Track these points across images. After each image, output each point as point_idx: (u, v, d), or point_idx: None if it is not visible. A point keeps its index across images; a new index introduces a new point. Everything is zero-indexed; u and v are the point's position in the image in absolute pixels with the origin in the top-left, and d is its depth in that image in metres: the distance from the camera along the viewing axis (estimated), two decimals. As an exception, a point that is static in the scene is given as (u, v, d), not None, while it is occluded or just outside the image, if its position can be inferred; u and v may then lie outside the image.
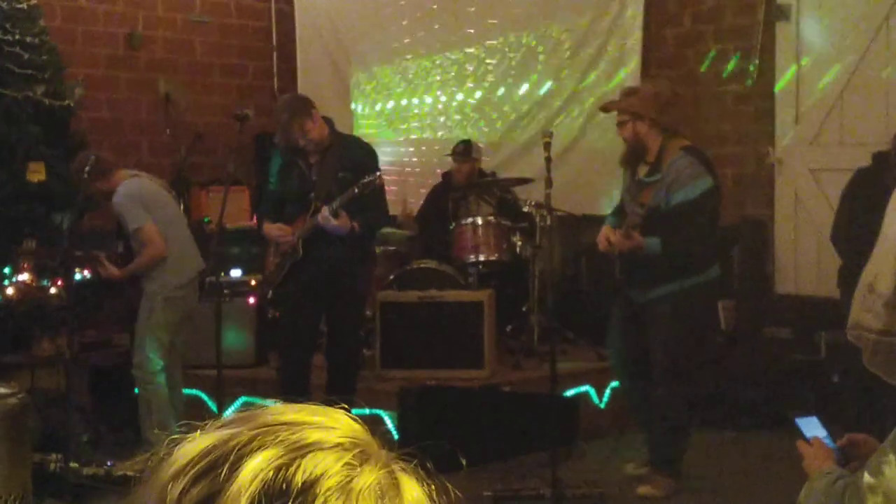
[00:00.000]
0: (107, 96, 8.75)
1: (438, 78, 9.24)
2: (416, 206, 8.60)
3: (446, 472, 1.00)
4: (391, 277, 7.22)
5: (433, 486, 0.93)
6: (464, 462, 1.44)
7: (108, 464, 5.91)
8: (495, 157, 8.73)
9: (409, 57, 9.32)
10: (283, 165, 6.14)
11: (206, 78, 9.35)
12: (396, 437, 6.23)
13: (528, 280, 7.47)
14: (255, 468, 0.85)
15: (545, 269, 7.23)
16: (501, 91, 8.92)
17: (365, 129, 9.33)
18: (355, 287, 6.18)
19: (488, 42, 8.94)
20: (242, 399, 6.57)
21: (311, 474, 0.85)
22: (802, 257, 7.81)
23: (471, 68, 9.06)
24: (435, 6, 9.21)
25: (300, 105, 6.03)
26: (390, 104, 9.52)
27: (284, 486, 0.84)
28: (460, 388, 6.54)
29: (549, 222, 6.58)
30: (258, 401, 5.96)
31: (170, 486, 0.86)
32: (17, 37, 7.05)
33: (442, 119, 9.29)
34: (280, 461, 0.85)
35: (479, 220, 7.28)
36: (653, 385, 5.74)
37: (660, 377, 5.68)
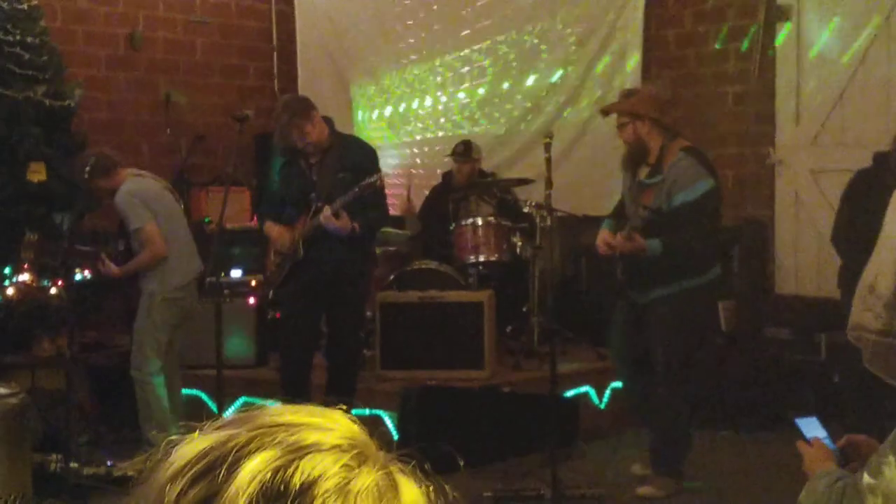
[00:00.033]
0: (107, 97, 8.75)
1: (439, 79, 9.24)
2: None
3: (445, 472, 1.00)
4: (391, 278, 7.22)
5: (431, 487, 0.93)
6: (461, 463, 1.43)
7: (109, 464, 5.91)
8: (496, 158, 8.73)
9: (413, 57, 9.31)
10: (283, 166, 6.14)
11: (207, 78, 9.35)
12: (396, 437, 6.23)
13: (528, 281, 7.46)
14: (254, 469, 0.85)
15: (545, 270, 7.23)
16: (506, 85, 8.93)
17: (369, 135, 9.32)
18: (356, 287, 6.18)
19: (491, 39, 8.93)
20: (242, 399, 6.57)
21: (309, 476, 0.85)
22: (803, 258, 7.81)
23: (471, 68, 9.06)
24: (436, 7, 9.21)
25: (299, 107, 6.02)
26: (392, 108, 9.52)
27: (282, 487, 0.84)
28: (460, 388, 6.54)
29: (549, 223, 6.58)
30: (258, 401, 5.95)
31: (168, 487, 0.86)
32: (17, 37, 7.05)
33: (442, 120, 9.29)
34: (278, 463, 0.85)
35: (480, 221, 7.27)
36: (653, 385, 5.74)
37: (660, 377, 5.68)
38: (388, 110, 9.54)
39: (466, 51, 9.07)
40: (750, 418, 6.97)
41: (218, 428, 0.91)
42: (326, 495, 0.84)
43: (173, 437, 0.91)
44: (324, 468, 0.86)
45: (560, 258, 8.06)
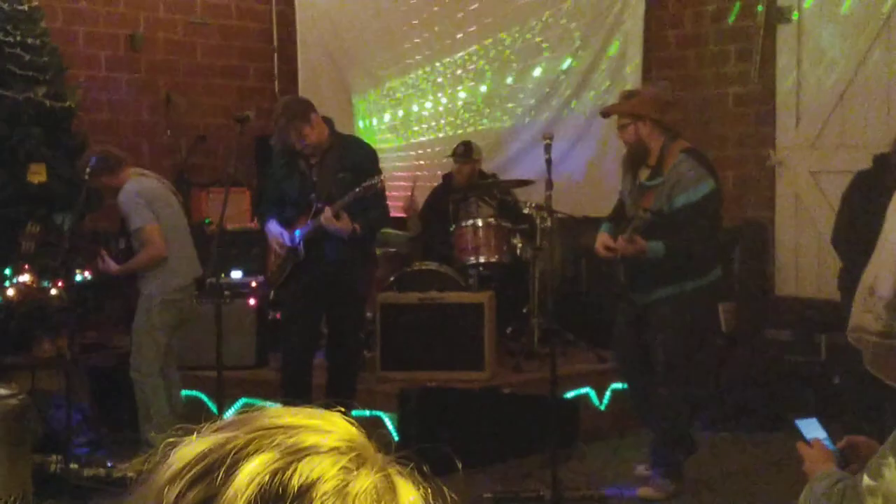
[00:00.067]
0: (108, 98, 8.75)
1: (440, 80, 9.24)
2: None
3: (445, 474, 1.00)
4: (392, 279, 7.22)
5: (429, 490, 0.93)
6: (459, 465, 1.43)
7: (108, 465, 5.91)
8: (496, 159, 8.73)
9: (417, 58, 9.31)
10: (283, 166, 6.14)
11: (207, 79, 9.35)
12: (397, 438, 6.22)
13: (528, 282, 7.46)
14: (252, 472, 0.84)
15: (545, 271, 7.23)
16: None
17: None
18: (356, 288, 6.18)
19: (493, 38, 8.93)
20: (242, 400, 6.57)
21: (307, 478, 0.85)
22: (803, 259, 7.81)
23: (472, 68, 9.06)
24: (436, 7, 9.21)
25: (299, 109, 6.00)
26: (392, 113, 9.52)
27: (280, 490, 0.84)
28: (460, 389, 6.54)
29: (549, 224, 6.58)
30: (258, 402, 5.96)
31: (166, 489, 0.86)
32: (18, 38, 7.05)
33: (442, 121, 9.29)
34: (276, 465, 0.85)
35: (480, 222, 7.28)
36: (654, 386, 5.74)
37: (661, 378, 5.69)
38: (386, 117, 9.54)
39: (468, 50, 9.07)
40: (750, 419, 6.97)
41: (216, 430, 0.91)
42: (324, 497, 0.84)
43: (172, 439, 0.91)
44: (322, 470, 0.86)
45: (560, 259, 8.05)
